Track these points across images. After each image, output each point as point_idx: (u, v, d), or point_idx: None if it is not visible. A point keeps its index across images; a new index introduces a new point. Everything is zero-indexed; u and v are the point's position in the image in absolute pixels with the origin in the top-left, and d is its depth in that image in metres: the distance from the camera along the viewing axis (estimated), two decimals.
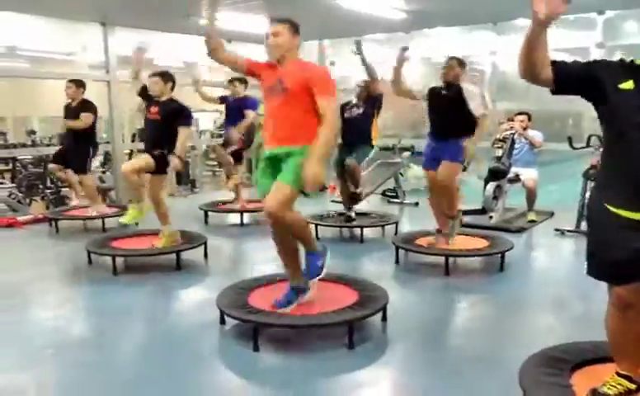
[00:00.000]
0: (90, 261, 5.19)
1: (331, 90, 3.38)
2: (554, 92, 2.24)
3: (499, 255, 4.95)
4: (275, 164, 3.47)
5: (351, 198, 6.37)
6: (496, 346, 3.45)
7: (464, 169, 5.39)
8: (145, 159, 5.24)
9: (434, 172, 5.06)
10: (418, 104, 5.34)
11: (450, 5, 7.57)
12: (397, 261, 5.17)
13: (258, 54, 11.13)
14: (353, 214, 6.45)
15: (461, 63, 4.99)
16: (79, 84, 6.88)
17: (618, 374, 2.41)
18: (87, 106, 6.80)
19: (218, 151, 7.56)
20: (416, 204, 8.29)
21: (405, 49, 5.06)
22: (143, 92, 5.50)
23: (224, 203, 7.65)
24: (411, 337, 3.59)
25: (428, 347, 3.47)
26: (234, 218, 7.27)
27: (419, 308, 4.18)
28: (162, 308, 4.33)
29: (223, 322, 3.67)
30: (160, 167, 5.23)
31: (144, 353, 3.46)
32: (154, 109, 5.28)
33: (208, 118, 12.79)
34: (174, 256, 5.06)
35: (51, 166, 7.03)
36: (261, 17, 8.32)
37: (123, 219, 5.54)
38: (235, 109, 7.16)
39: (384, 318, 3.68)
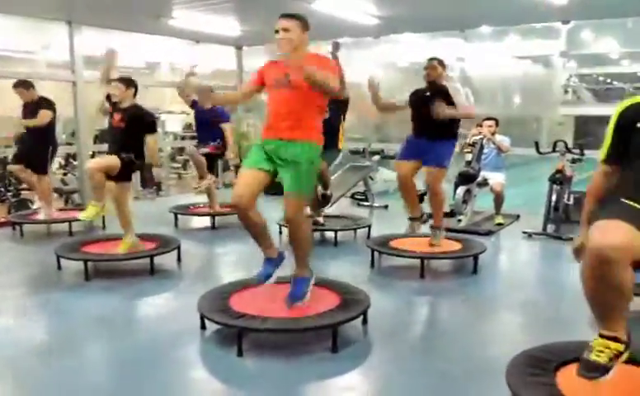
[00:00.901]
0: (59, 267, 5.06)
1: (334, 71, 3.45)
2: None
3: (472, 257, 5.05)
4: (273, 154, 3.49)
5: (322, 199, 6.35)
6: (476, 348, 3.51)
7: None
8: (111, 159, 5.13)
9: (408, 163, 5.09)
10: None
11: (420, 12, 7.68)
12: (372, 265, 5.21)
13: (226, 54, 11.13)
14: (321, 219, 6.44)
15: (442, 63, 5.06)
16: (27, 85, 6.61)
17: (603, 337, 2.27)
18: (46, 104, 6.60)
19: (190, 151, 7.43)
20: (386, 207, 8.38)
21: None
22: (109, 98, 5.39)
23: (196, 206, 7.56)
24: (393, 340, 3.62)
25: (410, 350, 3.51)
26: (205, 221, 7.19)
27: (398, 311, 4.22)
28: (139, 314, 4.26)
29: (203, 327, 3.63)
30: (125, 174, 5.16)
31: (122, 361, 3.38)
32: (117, 116, 5.18)
33: (175, 119, 12.66)
34: (147, 260, 4.99)
35: (12, 167, 6.82)
36: (230, 20, 8.32)
37: (81, 215, 5.35)
38: (204, 119, 7.02)
39: (365, 321, 3.70)
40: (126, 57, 12.71)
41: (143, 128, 5.16)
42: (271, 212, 4.78)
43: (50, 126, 6.68)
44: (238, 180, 3.57)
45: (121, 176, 5.12)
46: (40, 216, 6.79)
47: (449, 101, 4.93)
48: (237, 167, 7.73)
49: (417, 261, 4.94)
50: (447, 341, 3.67)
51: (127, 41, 10.13)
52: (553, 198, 6.43)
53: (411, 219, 5.32)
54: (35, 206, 7.23)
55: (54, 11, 7.84)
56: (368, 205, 8.46)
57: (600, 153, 2.55)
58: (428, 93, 5.06)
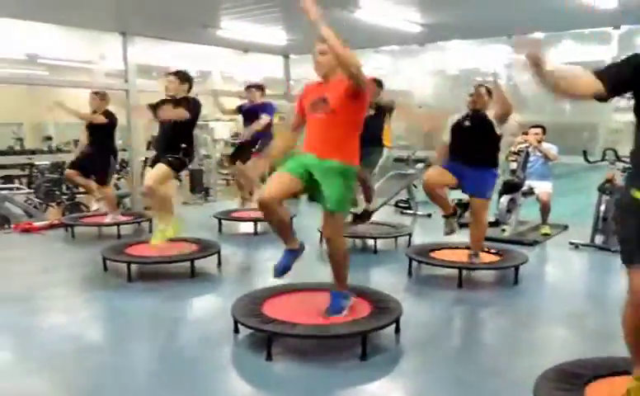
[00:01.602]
0: (105, 268, 5.24)
1: (365, 80, 3.45)
2: (605, 99, 2.31)
3: (513, 268, 4.93)
4: (310, 168, 3.52)
5: (362, 216, 6.30)
6: (509, 360, 3.44)
7: None
8: (162, 170, 5.29)
9: (441, 173, 5.01)
10: (434, 118, 5.32)
11: (465, 18, 7.59)
12: (409, 273, 5.17)
13: (275, 63, 11.28)
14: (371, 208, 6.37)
15: (489, 91, 4.93)
16: (102, 96, 6.97)
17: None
18: (109, 117, 6.90)
19: (240, 169, 7.56)
20: (429, 215, 8.28)
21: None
22: (151, 107, 5.56)
23: (240, 211, 7.69)
24: (425, 350, 3.59)
25: (441, 360, 3.46)
26: (248, 226, 7.30)
27: (432, 321, 4.17)
28: (176, 316, 4.36)
29: (236, 330, 3.69)
30: (173, 165, 5.33)
31: (158, 360, 3.49)
32: (168, 108, 5.33)
33: (223, 127, 12.85)
34: (188, 263, 5.11)
35: (68, 172, 7.11)
36: (277, 29, 8.44)
37: (152, 241, 5.53)
38: (251, 115, 7.21)
39: (397, 330, 3.68)
40: (179, 66, 13.17)
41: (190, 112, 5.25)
42: (313, 218, 4.79)
43: (112, 138, 6.99)
44: (272, 180, 3.57)
45: (168, 162, 5.29)
46: (108, 219, 7.04)
47: (491, 134, 4.86)
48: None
49: (456, 272, 4.88)
50: (480, 352, 3.62)
51: (180, 50, 10.45)
52: (602, 208, 6.21)
53: (445, 216, 5.24)
54: (93, 208, 7.47)
55: (110, 22, 8.17)
56: (411, 214, 8.38)
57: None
58: (468, 123, 4.98)
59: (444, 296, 4.68)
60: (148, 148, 11.26)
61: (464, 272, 4.91)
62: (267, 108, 7.22)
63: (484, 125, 4.88)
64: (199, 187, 11.21)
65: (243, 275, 5.53)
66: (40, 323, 4.06)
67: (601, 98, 2.30)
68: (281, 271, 3.74)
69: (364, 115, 3.63)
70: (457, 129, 5.05)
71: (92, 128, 6.88)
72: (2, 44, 10.63)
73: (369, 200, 6.29)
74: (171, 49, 10.46)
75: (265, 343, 3.35)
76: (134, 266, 5.06)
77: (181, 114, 5.21)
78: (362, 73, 3.36)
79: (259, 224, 7.14)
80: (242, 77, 14.05)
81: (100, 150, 6.89)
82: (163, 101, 5.47)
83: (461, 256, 5.21)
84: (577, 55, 9.22)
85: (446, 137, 5.17)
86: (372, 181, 6.35)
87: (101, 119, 6.74)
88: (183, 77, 5.42)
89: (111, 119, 6.91)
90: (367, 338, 3.34)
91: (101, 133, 6.84)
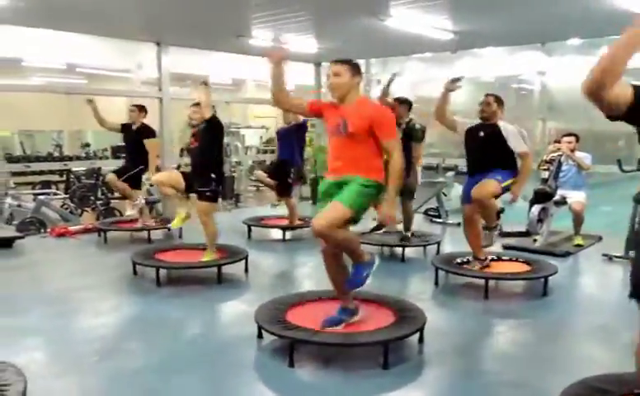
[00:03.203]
0: (135, 272, 5.35)
1: (393, 130, 3.51)
2: (616, 118, 2.01)
3: (542, 279, 4.85)
4: (334, 191, 3.50)
5: (400, 240, 6.33)
6: (534, 374, 3.37)
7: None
8: (205, 208, 5.35)
9: (470, 206, 4.97)
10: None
11: (498, 25, 7.52)
12: (436, 283, 5.12)
13: (306, 71, 11.38)
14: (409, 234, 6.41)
15: (498, 100, 4.90)
16: (141, 109, 7.18)
17: None
18: (148, 132, 7.11)
19: (258, 176, 7.63)
20: (459, 224, 8.17)
21: (456, 79, 4.95)
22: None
23: (270, 218, 7.74)
24: (448, 360, 3.55)
25: (464, 371, 3.43)
26: (277, 233, 7.35)
27: (457, 331, 4.12)
28: (202, 320, 4.42)
29: (260, 336, 3.72)
30: (211, 198, 5.38)
31: (183, 363, 3.53)
32: (193, 138, 5.52)
33: (254, 134, 13.03)
34: (215, 269, 5.18)
35: (110, 176, 7.23)
36: (308, 37, 8.50)
37: (172, 225, 5.86)
38: (287, 137, 7.24)
39: (421, 340, 3.66)
40: (213, 74, 13.41)
41: (214, 136, 5.33)
42: None
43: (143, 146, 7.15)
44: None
45: (207, 198, 5.34)
46: (139, 224, 7.21)
47: (502, 144, 4.81)
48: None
49: (482, 282, 4.82)
50: (505, 365, 3.55)
51: (214, 59, 10.63)
52: (638, 219, 6.05)
53: (485, 228, 5.10)
54: (127, 213, 7.62)
55: (146, 33, 8.36)
56: (440, 222, 8.32)
57: None
58: (482, 134, 4.94)
59: (470, 306, 4.63)
60: (181, 155, 11.47)
61: (492, 283, 4.85)
62: (302, 129, 7.27)
63: (497, 137, 4.85)
64: (229, 193, 11.33)
65: (270, 282, 5.56)
66: (71, 326, 4.16)
67: (611, 117, 2.01)
68: (330, 326, 3.59)
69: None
70: (471, 138, 5.01)
71: (126, 134, 7.14)
72: (43, 55, 11.01)
73: (407, 228, 6.33)
74: (205, 58, 10.67)
75: (287, 350, 3.37)
76: (162, 271, 5.15)
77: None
78: (400, 152, 3.48)
79: (287, 231, 7.19)
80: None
81: (133, 158, 7.09)
82: (193, 132, 5.56)
83: (490, 266, 5.14)
84: None
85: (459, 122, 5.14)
86: (411, 209, 6.42)
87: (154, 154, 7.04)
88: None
89: (154, 135, 7.18)
90: (389, 347, 3.32)
91: (135, 140, 7.07)
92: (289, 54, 3.34)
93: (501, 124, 4.88)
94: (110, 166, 12.11)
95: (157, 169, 7.28)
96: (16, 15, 6.90)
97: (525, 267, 5.15)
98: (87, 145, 16.81)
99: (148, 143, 7.03)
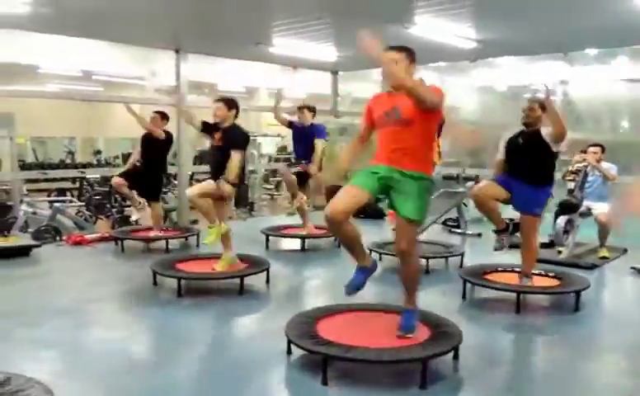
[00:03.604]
0: (155, 282, 5.24)
1: (439, 93, 3.36)
2: None
3: (574, 294, 4.71)
4: (384, 179, 3.43)
5: None
6: (572, 392, 3.24)
7: None
8: (207, 184, 5.31)
9: (495, 184, 4.83)
10: (475, 135, 5.14)
11: (520, 34, 7.42)
12: (463, 296, 5.00)
13: (321, 79, 11.29)
14: None
15: (543, 106, 4.72)
16: (163, 116, 7.10)
17: None
18: (167, 138, 7.05)
19: (282, 170, 7.51)
20: (479, 235, 8.06)
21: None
22: (205, 127, 5.59)
23: (288, 227, 7.64)
24: (485, 379, 3.42)
25: (504, 391, 3.30)
26: (296, 243, 7.23)
27: (490, 347, 3.99)
28: (227, 335, 4.31)
29: (289, 351, 3.60)
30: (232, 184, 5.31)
31: (207, 380, 3.43)
32: (217, 135, 5.36)
33: (269, 142, 12.96)
34: (236, 280, 5.07)
35: (116, 179, 7.12)
36: (328, 46, 8.42)
37: (205, 241, 5.52)
38: (303, 136, 7.16)
39: (456, 357, 3.53)
40: (226, 82, 13.36)
41: (237, 145, 5.26)
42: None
43: (164, 155, 7.15)
44: (339, 194, 3.46)
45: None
46: (152, 234, 7.12)
47: (545, 151, 4.67)
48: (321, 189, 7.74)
49: (513, 295, 4.69)
50: (541, 383, 3.42)
51: (227, 67, 10.57)
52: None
53: (495, 231, 5.04)
54: (133, 218, 7.51)
55: (166, 40, 8.30)
56: (460, 233, 8.19)
57: None
58: (521, 141, 4.81)
59: (501, 321, 4.50)
60: (194, 164, 11.41)
61: (522, 296, 4.71)
62: (320, 132, 7.15)
63: (538, 143, 4.70)
64: (244, 202, 11.25)
65: (292, 293, 5.44)
66: (90, 338, 4.05)
67: None
68: (353, 289, 3.62)
69: (437, 125, 3.52)
70: (510, 147, 4.89)
71: (148, 143, 6.99)
72: (59, 62, 10.98)
73: None
74: (218, 66, 10.61)
75: (319, 366, 3.25)
76: (183, 282, 5.04)
77: (237, 162, 5.19)
78: (436, 98, 3.29)
79: (307, 241, 7.08)
80: (289, 93, 14.20)
81: (151, 166, 7.01)
82: (215, 126, 5.46)
83: (517, 279, 5.01)
84: (635, 72, 8.93)
85: (500, 154, 5.00)
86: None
87: (159, 133, 6.89)
88: (231, 103, 5.42)
89: (169, 137, 7.05)
90: (427, 365, 3.20)
91: (157, 149, 6.97)
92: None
93: (544, 130, 4.72)
94: None
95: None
96: (35, 22, 6.86)
97: (555, 282, 5.00)
98: (99, 152, 16.82)
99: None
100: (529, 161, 4.70)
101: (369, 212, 9.77)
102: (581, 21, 6.68)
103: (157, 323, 4.42)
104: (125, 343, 3.95)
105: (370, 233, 8.63)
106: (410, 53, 3.46)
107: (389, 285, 4.98)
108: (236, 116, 5.44)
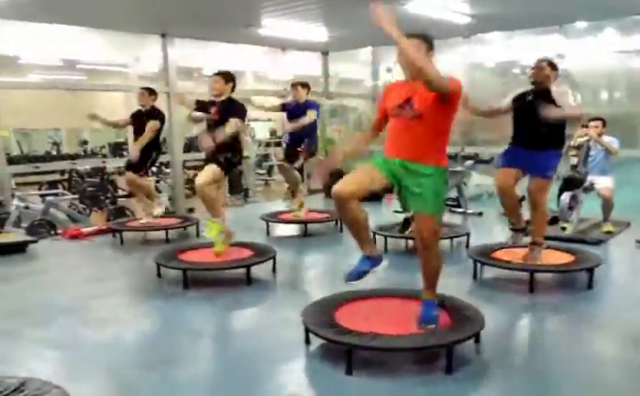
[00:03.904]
0: (159, 274, 5.12)
1: (454, 80, 3.21)
2: None
3: (586, 271, 4.66)
4: (397, 172, 3.34)
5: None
6: (600, 373, 3.21)
7: None
8: (213, 169, 5.19)
9: (507, 171, 4.73)
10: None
11: (514, 8, 7.29)
12: (474, 276, 4.94)
13: (309, 60, 11.11)
14: None
15: (552, 64, 4.64)
16: (151, 92, 6.99)
17: None
18: (155, 114, 6.88)
19: (284, 170, 7.34)
20: (480, 214, 8.03)
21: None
22: (199, 104, 5.57)
23: (286, 212, 7.54)
24: (510, 362, 3.37)
25: (531, 374, 3.22)
26: (296, 228, 7.13)
27: (510, 329, 3.94)
28: (240, 326, 4.20)
29: (307, 341, 3.51)
30: (228, 174, 5.28)
31: (227, 375, 3.32)
32: (214, 109, 5.32)
33: (261, 127, 12.79)
34: (243, 269, 4.96)
35: (129, 176, 7.00)
36: (319, 26, 8.25)
37: (206, 233, 5.41)
38: (296, 114, 7.04)
39: (477, 340, 3.46)
40: (211, 66, 13.11)
41: (235, 115, 5.19)
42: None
43: (157, 134, 6.98)
44: (355, 173, 3.38)
45: (218, 163, 5.22)
46: (144, 220, 7.01)
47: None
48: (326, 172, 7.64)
49: (523, 274, 4.64)
50: (566, 365, 3.36)
51: (212, 51, 10.36)
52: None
53: (513, 229, 4.99)
54: (155, 213, 7.22)
55: (151, 24, 8.07)
56: (461, 212, 8.13)
57: None
58: (530, 97, 4.70)
59: (515, 301, 4.44)
60: (184, 151, 11.21)
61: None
62: (312, 106, 7.05)
63: (548, 101, 4.53)
64: (238, 188, 11.12)
65: (300, 282, 5.34)
66: (99, 336, 3.89)
67: None
68: (354, 277, 3.50)
69: (452, 120, 3.35)
70: (518, 104, 4.78)
71: (139, 121, 6.87)
72: (40, 51, 10.69)
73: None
74: (203, 51, 10.40)
75: (340, 355, 3.17)
76: (188, 272, 4.92)
77: (235, 127, 5.15)
78: (445, 80, 3.11)
79: (309, 226, 6.98)
80: (275, 76, 14.01)
81: (146, 146, 6.86)
82: (210, 102, 5.40)
83: (526, 255, 4.96)
84: (630, 44, 8.89)
85: (502, 104, 4.92)
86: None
87: (150, 135, 6.78)
88: (228, 76, 5.40)
89: (160, 114, 6.92)
90: (452, 351, 3.13)
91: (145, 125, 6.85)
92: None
93: (553, 88, 4.61)
94: (115, 163, 11.92)
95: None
96: (13, 9, 6.61)
97: (568, 258, 4.95)
98: (85, 143, 16.56)
99: (149, 124, 6.82)
100: (538, 120, 4.52)
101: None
102: None
103: (166, 318, 4.29)
104: (136, 340, 3.84)
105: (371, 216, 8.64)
106: (427, 39, 3.31)
107: (395, 270, 4.89)
108: (232, 90, 5.39)
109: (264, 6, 7.18)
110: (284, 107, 7.34)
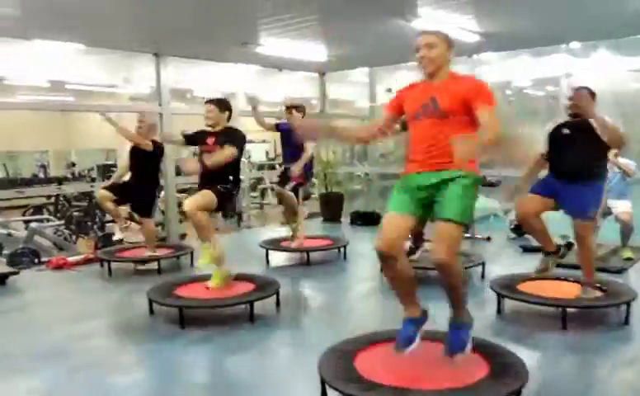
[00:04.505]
0: (152, 311, 4.68)
1: (493, 99, 2.90)
2: None
3: (624, 305, 4.28)
4: (422, 187, 3.00)
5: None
6: None
7: None
8: (207, 195, 4.78)
9: (533, 199, 4.34)
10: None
11: (526, 26, 6.98)
12: (498, 311, 4.54)
13: (304, 82, 10.81)
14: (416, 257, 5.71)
15: (592, 93, 4.26)
16: (150, 127, 6.50)
17: None
18: (156, 147, 6.41)
19: (281, 195, 6.87)
20: (488, 239, 7.66)
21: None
22: (188, 139, 5.23)
23: (287, 239, 7.12)
24: None
25: None
26: (298, 257, 6.70)
27: (549, 375, 3.50)
28: (245, 376, 3.69)
29: (324, 394, 3.07)
30: (222, 205, 4.88)
31: None
32: (211, 140, 4.87)
33: (258, 149, 12.42)
34: (244, 305, 4.54)
35: (102, 192, 6.38)
36: (317, 44, 7.91)
37: (199, 262, 5.01)
38: (291, 138, 6.63)
39: (519, 392, 3.04)
40: (201, 87, 12.77)
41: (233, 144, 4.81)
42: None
43: (156, 167, 6.56)
44: (385, 224, 3.06)
45: (219, 207, 4.86)
46: (147, 253, 6.49)
47: (595, 141, 4.18)
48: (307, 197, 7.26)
49: (552, 309, 4.29)
50: None
51: (203, 71, 10.01)
52: None
53: (545, 253, 4.56)
54: (115, 238, 6.77)
55: (143, 43, 7.68)
56: (468, 237, 7.75)
57: None
58: (567, 131, 4.34)
59: (549, 340, 4.01)
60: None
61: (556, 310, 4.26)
62: None
63: (587, 132, 4.19)
64: (231, 212, 10.68)
65: (307, 318, 4.86)
66: (89, 386, 3.44)
67: None
68: (405, 345, 3.09)
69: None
70: (554, 139, 4.43)
71: (137, 154, 6.37)
72: (26, 72, 10.27)
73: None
74: (194, 71, 10.03)
75: None
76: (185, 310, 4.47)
77: (229, 155, 4.75)
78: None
79: (311, 254, 6.56)
80: (269, 98, 13.68)
81: (143, 180, 6.39)
82: (203, 133, 5.00)
83: (557, 289, 4.61)
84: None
85: (541, 148, 4.52)
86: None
87: (148, 145, 6.25)
88: (223, 105, 5.00)
89: (159, 147, 6.43)
90: None
91: (147, 161, 6.33)
92: None
93: (595, 119, 4.19)
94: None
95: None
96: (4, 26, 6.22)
97: (599, 292, 4.56)
98: (73, 165, 16.10)
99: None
100: (578, 154, 4.20)
101: (368, 219, 9.35)
102: (586, 11, 6.34)
103: (163, 364, 3.83)
104: (131, 392, 3.38)
105: (367, 241, 8.21)
106: (447, 37, 3.09)
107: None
108: (229, 118, 5.01)
109: (261, 23, 6.83)
110: (277, 127, 6.96)
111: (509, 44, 8.08)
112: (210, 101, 4.97)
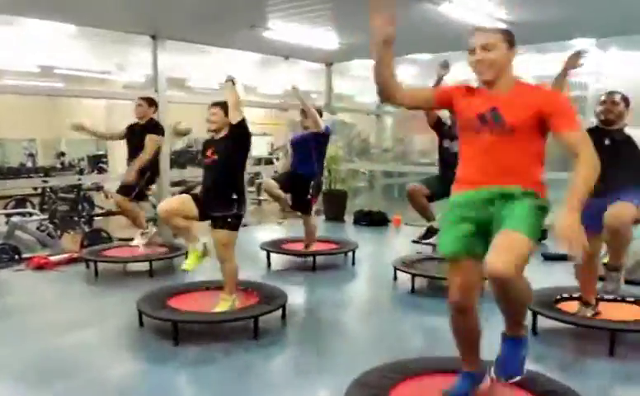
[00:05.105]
0: (141, 323, 4.13)
1: (578, 120, 2.44)
2: None
3: None
4: (476, 214, 2.52)
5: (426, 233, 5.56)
6: None
7: None
8: (188, 203, 4.25)
9: (596, 239, 3.75)
10: None
11: (559, 14, 6.46)
12: (534, 332, 4.02)
13: (305, 73, 10.33)
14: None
15: (625, 99, 3.85)
16: (151, 102, 6.12)
17: None
18: (155, 127, 5.98)
19: (267, 185, 6.21)
20: None
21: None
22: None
23: (289, 241, 6.57)
24: None
25: None
26: (302, 261, 6.16)
27: None
28: None
29: None
30: (233, 225, 4.27)
31: None
32: (210, 150, 4.27)
33: (260, 142, 11.86)
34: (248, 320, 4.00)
35: (118, 198, 6.05)
36: (328, 30, 7.38)
37: (185, 266, 4.45)
38: (303, 147, 6.03)
39: None
40: (196, 78, 12.25)
41: (241, 146, 4.26)
42: None
43: (156, 153, 6.08)
44: (452, 275, 2.61)
45: (228, 225, 4.25)
46: (135, 243, 6.11)
47: (635, 153, 3.77)
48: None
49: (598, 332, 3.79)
50: None
51: (199, 61, 9.50)
52: None
53: (584, 303, 4.10)
54: (134, 243, 6.22)
55: (140, 23, 7.10)
56: None
57: None
58: (608, 141, 3.80)
59: (597, 369, 3.51)
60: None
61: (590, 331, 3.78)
62: (325, 131, 6.04)
63: (628, 143, 3.79)
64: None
65: (317, 334, 4.25)
66: None
67: None
68: None
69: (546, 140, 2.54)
70: (597, 149, 3.88)
71: (135, 135, 5.95)
72: (16, 55, 9.68)
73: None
74: (191, 60, 9.51)
75: None
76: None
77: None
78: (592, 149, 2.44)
79: (317, 258, 6.01)
80: (269, 90, 13.15)
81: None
82: (208, 142, 4.37)
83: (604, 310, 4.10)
84: None
85: None
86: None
87: (151, 150, 5.88)
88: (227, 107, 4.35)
89: (160, 127, 6.04)
90: None
91: (142, 140, 5.90)
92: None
93: (627, 129, 3.83)
94: (95, 179, 10.89)
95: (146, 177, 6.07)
96: None
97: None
98: (63, 154, 15.50)
99: (148, 138, 5.88)
100: (621, 168, 3.70)
101: (373, 219, 8.85)
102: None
103: (152, 390, 3.28)
104: None
105: (375, 243, 7.70)
106: (508, 34, 2.55)
107: (440, 320, 4.00)
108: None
109: (271, 3, 6.27)
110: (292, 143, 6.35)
111: (535, 37, 7.48)
112: (215, 104, 4.32)
